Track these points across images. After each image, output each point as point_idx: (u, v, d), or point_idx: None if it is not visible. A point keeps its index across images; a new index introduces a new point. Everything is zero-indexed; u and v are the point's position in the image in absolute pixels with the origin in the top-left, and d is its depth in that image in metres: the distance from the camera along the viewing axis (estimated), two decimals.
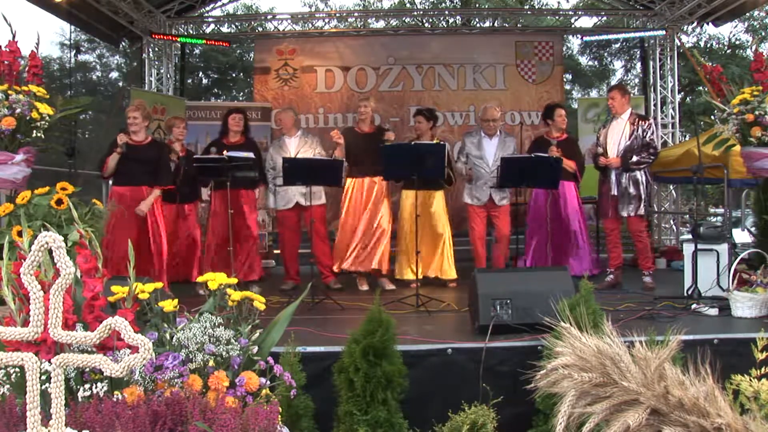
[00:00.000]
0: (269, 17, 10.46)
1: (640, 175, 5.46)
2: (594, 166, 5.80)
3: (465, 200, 6.02)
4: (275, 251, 7.80)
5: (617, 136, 5.48)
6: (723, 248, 4.57)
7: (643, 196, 5.49)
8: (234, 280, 2.56)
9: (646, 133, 5.43)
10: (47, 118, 4.09)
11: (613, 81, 17.46)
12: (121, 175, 5.12)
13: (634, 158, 5.39)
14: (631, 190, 5.45)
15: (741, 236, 6.23)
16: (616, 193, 5.49)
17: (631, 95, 6.00)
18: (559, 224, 5.85)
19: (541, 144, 5.85)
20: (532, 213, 6.01)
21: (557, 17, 11.70)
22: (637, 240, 5.66)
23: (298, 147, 5.85)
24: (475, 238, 6.00)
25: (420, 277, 5.86)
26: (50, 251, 1.62)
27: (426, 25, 11.51)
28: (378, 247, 5.80)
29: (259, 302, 2.52)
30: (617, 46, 16.74)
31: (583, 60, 17.86)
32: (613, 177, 5.49)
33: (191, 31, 9.83)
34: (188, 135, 6.11)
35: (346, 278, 6.03)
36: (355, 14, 11.94)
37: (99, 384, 2.04)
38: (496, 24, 11.02)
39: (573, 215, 5.83)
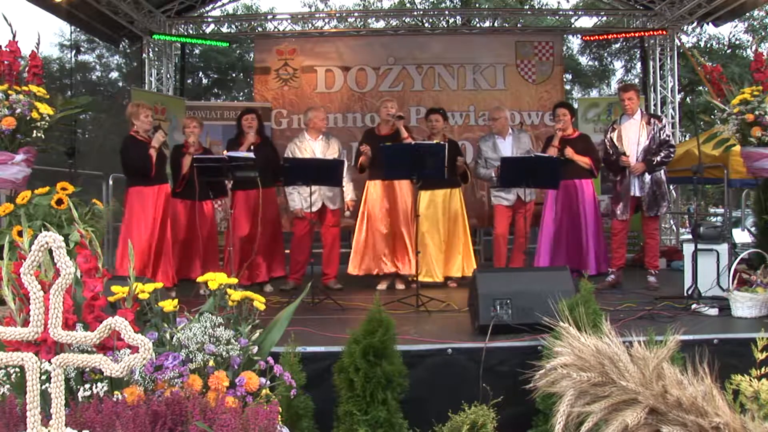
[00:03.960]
0: (269, 17, 10.45)
1: (660, 175, 5.47)
2: (609, 169, 5.77)
3: (494, 201, 6.03)
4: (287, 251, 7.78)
5: (634, 137, 5.46)
6: (723, 248, 4.57)
7: (666, 195, 5.53)
8: (234, 280, 2.57)
9: (663, 132, 5.44)
10: (47, 118, 4.09)
11: (614, 81, 17.48)
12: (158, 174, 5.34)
13: (657, 159, 5.39)
14: (655, 190, 5.46)
15: (741, 236, 6.24)
16: (638, 194, 5.47)
17: None
18: (577, 223, 5.79)
19: (550, 141, 5.87)
20: (545, 213, 5.98)
21: (557, 17, 11.70)
22: (650, 238, 5.66)
23: (323, 150, 5.81)
24: (498, 237, 6.01)
25: (442, 278, 5.91)
26: (50, 251, 1.63)
27: (426, 25, 11.52)
28: (402, 248, 5.81)
29: (259, 302, 2.52)
30: (617, 46, 16.75)
31: (583, 60, 17.88)
32: (633, 178, 5.46)
33: (191, 31, 9.83)
34: None
35: (347, 278, 6.03)
36: (355, 14, 11.94)
37: (99, 384, 2.04)
38: (496, 24, 11.05)
39: (591, 213, 5.77)
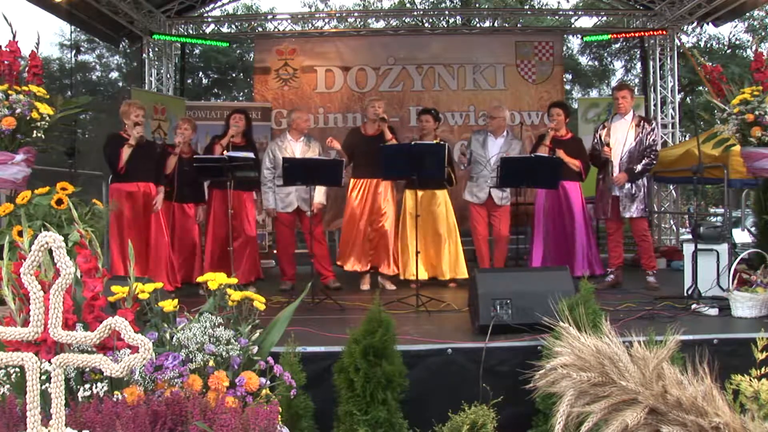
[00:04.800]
0: (269, 17, 10.46)
1: (635, 168, 5.48)
2: (592, 163, 5.79)
3: (465, 197, 6.04)
4: (275, 251, 7.79)
5: (621, 137, 5.49)
6: (723, 248, 4.57)
7: (643, 197, 5.53)
8: (234, 280, 2.56)
9: (650, 137, 5.47)
10: (47, 118, 4.09)
11: (614, 81, 17.47)
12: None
13: (639, 167, 5.43)
14: (633, 191, 5.47)
15: (741, 236, 6.23)
16: (617, 194, 5.51)
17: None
18: (563, 224, 5.83)
19: (541, 140, 5.87)
20: (536, 213, 6.00)
21: (557, 17, 11.71)
22: (641, 240, 5.67)
23: (303, 151, 5.83)
24: (478, 238, 6.01)
25: (427, 277, 5.91)
26: (50, 251, 1.63)
27: (426, 25, 11.52)
28: (382, 247, 5.84)
29: (259, 302, 2.52)
30: (617, 46, 16.74)
31: (583, 60, 17.87)
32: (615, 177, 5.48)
33: (191, 31, 9.83)
34: None
35: (346, 278, 6.03)
36: (355, 14, 11.95)
37: (99, 384, 2.04)
38: (496, 24, 11.03)
39: (578, 215, 5.81)
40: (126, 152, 5.19)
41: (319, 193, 5.80)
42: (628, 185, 5.48)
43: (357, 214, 5.84)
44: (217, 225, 5.68)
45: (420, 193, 5.83)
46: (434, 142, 5.55)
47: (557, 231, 5.84)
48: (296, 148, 5.85)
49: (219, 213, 5.66)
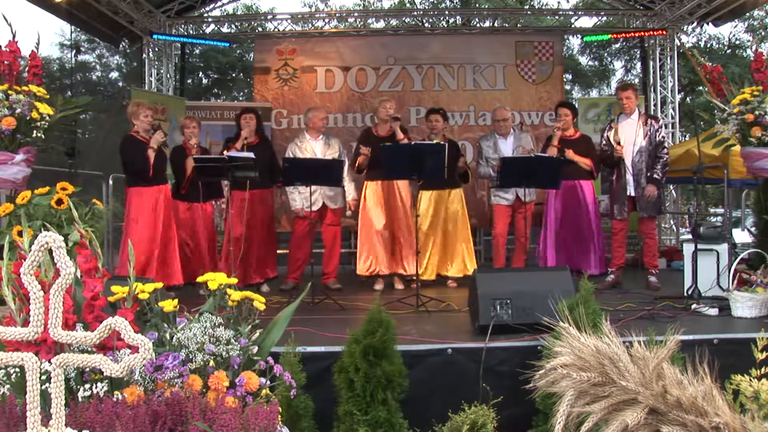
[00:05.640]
0: (269, 17, 10.46)
1: (657, 175, 5.49)
2: (603, 164, 5.78)
3: (492, 201, 6.05)
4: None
5: (630, 137, 5.48)
6: (723, 248, 4.57)
7: (661, 197, 5.58)
8: (234, 280, 2.56)
9: (659, 134, 5.47)
10: (47, 118, 4.09)
11: (614, 81, 17.48)
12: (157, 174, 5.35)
13: (659, 173, 5.44)
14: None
15: (741, 236, 6.24)
16: (634, 194, 5.50)
17: None
18: (576, 223, 5.80)
19: (550, 140, 5.88)
20: (548, 213, 5.97)
21: (557, 17, 11.71)
22: (648, 238, 5.69)
23: (323, 150, 5.82)
24: (497, 237, 6.02)
25: (434, 276, 5.93)
26: (50, 251, 1.63)
27: (426, 25, 11.50)
28: (405, 248, 5.83)
29: (259, 302, 2.52)
30: (617, 46, 16.75)
31: (583, 60, 17.87)
32: (630, 178, 5.48)
33: (191, 31, 9.83)
34: None
35: (347, 278, 6.03)
36: (355, 14, 11.93)
37: (99, 384, 2.04)
38: (496, 24, 11.02)
39: (593, 214, 5.79)
40: (152, 156, 5.18)
41: (351, 190, 5.85)
42: (644, 180, 5.47)
43: (375, 218, 5.81)
44: (233, 226, 5.69)
45: (435, 192, 5.84)
46: (436, 141, 5.54)
47: (574, 231, 5.81)
48: (316, 147, 5.84)
49: (236, 214, 5.66)
